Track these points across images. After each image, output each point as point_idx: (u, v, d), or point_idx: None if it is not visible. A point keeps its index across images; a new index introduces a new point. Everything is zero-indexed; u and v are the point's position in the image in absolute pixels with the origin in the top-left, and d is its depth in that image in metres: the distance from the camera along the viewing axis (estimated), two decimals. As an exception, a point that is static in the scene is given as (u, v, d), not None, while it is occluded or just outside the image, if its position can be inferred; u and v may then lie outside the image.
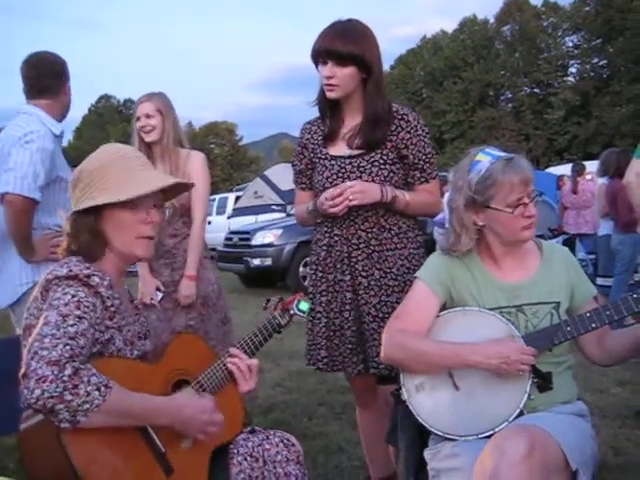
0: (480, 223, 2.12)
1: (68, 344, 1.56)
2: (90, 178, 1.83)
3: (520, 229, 2.09)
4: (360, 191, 2.43)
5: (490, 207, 2.08)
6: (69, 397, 1.49)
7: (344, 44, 2.44)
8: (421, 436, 2.11)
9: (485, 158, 2.10)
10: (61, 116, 3.24)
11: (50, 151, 2.97)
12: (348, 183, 2.47)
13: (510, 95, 49.74)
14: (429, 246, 2.67)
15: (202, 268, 3.57)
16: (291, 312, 2.27)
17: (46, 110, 3.13)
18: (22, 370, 1.53)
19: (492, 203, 2.07)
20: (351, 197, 2.42)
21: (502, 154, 2.11)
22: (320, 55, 2.51)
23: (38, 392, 1.47)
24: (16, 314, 3.12)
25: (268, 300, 2.31)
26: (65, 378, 1.49)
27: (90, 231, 1.83)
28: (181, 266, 3.54)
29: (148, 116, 3.51)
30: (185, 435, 1.82)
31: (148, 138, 3.52)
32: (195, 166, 3.59)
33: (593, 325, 2.01)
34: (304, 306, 2.29)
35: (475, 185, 2.08)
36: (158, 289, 3.51)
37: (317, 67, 2.56)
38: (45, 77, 3.16)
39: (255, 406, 4.44)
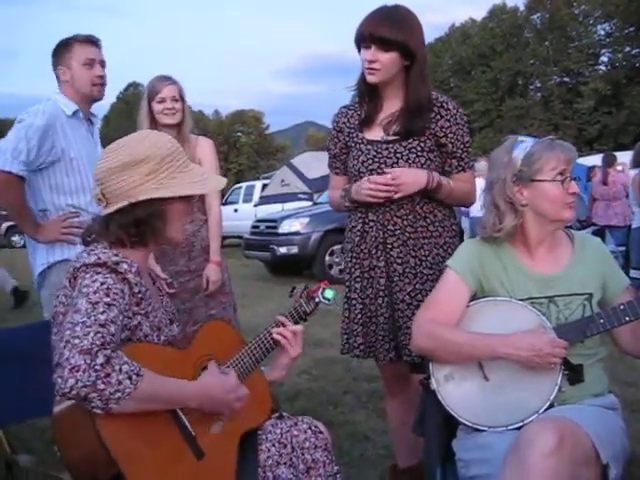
0: (524, 202, 2.11)
1: (99, 332, 1.58)
2: (157, 166, 1.82)
3: (564, 206, 2.09)
4: (405, 182, 2.42)
5: (537, 180, 2.08)
6: (102, 386, 1.51)
7: (390, 29, 2.42)
8: (449, 426, 2.10)
9: (528, 139, 2.13)
10: (75, 96, 3.21)
11: (40, 127, 2.98)
12: (394, 172, 2.44)
13: (539, 84, 49.08)
14: (459, 235, 2.68)
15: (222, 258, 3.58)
16: (316, 300, 2.27)
17: (61, 91, 3.22)
18: (55, 358, 1.55)
19: (539, 176, 2.08)
20: (394, 190, 2.41)
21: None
22: (364, 39, 2.47)
23: (72, 381, 1.49)
24: (41, 296, 3.19)
25: (294, 288, 2.32)
26: (97, 367, 1.51)
27: (139, 219, 1.84)
28: (198, 254, 3.55)
29: (175, 99, 3.50)
30: (214, 416, 1.84)
31: (170, 120, 3.48)
32: (206, 151, 3.61)
33: (627, 318, 1.99)
34: (329, 294, 2.28)
35: (522, 160, 2.09)
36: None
37: (359, 51, 2.53)
38: (52, 64, 3.26)
39: (281, 393, 4.46)
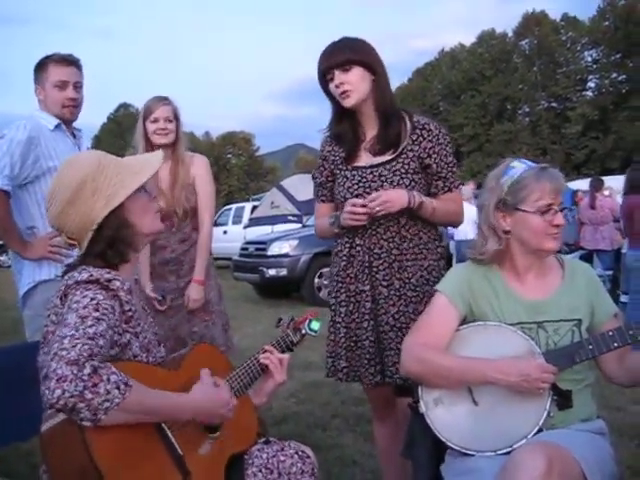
0: (507, 228, 2.13)
1: (87, 344, 1.57)
2: (94, 184, 1.82)
3: (546, 236, 2.09)
4: (386, 201, 2.43)
5: (520, 209, 2.09)
6: (89, 396, 1.49)
7: (342, 52, 2.52)
8: (438, 450, 2.09)
9: (520, 165, 2.13)
10: (51, 112, 3.22)
11: (22, 141, 2.99)
12: (373, 195, 2.46)
13: (528, 109, 49.62)
14: (445, 258, 2.68)
15: (206, 274, 3.57)
16: (303, 331, 2.32)
17: (40, 108, 3.25)
18: (43, 371, 1.54)
19: (522, 206, 2.08)
20: (377, 208, 2.42)
21: (536, 165, 2.14)
22: (326, 72, 2.55)
23: (59, 392, 1.47)
24: (24, 315, 3.16)
25: (280, 319, 2.36)
26: (85, 377, 1.50)
27: (111, 238, 1.84)
28: (187, 274, 3.54)
29: (169, 120, 3.52)
30: (203, 436, 1.83)
31: (163, 140, 3.49)
32: (201, 170, 3.62)
33: (615, 344, 1.99)
34: (315, 325, 2.33)
35: (508, 187, 2.10)
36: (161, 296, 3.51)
37: (327, 92, 2.60)
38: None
39: (269, 417, 4.43)
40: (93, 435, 1.55)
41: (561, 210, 2.10)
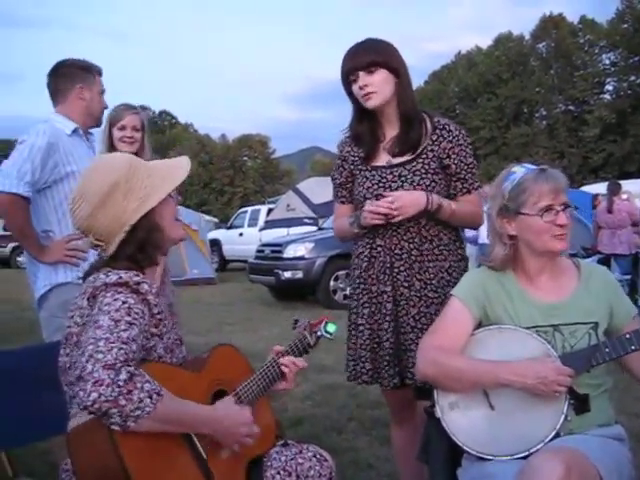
0: (512, 232, 2.13)
1: (122, 348, 1.58)
2: (127, 185, 1.83)
3: (551, 237, 2.08)
4: (403, 205, 2.43)
5: (521, 213, 2.10)
6: (123, 402, 1.51)
7: (368, 54, 2.53)
8: (454, 454, 2.09)
9: (520, 170, 2.14)
10: (81, 118, 3.29)
11: (42, 147, 3.03)
12: (393, 195, 2.46)
13: (545, 112, 49.32)
14: (466, 260, 2.68)
15: (165, 277, 3.57)
16: (318, 334, 2.33)
17: (59, 112, 3.27)
18: (77, 372, 1.55)
19: (523, 209, 2.09)
20: (395, 213, 2.43)
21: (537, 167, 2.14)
22: (350, 74, 2.56)
23: (95, 395, 1.49)
24: (40, 317, 3.20)
25: (296, 321, 2.37)
26: (121, 383, 1.52)
27: (142, 241, 1.85)
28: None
29: (136, 129, 3.55)
30: (223, 444, 1.83)
31: (128, 148, 3.49)
32: None
33: (632, 347, 1.98)
34: (331, 328, 2.34)
35: (508, 193, 2.12)
36: None
37: (349, 92, 2.61)
38: (53, 82, 3.31)
39: (285, 419, 4.44)
40: (121, 436, 1.56)
41: (564, 209, 2.08)
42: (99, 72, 3.36)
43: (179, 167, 1.97)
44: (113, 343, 1.58)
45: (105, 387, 1.50)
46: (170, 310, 3.42)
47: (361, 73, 2.52)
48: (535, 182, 2.07)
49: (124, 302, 1.70)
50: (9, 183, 2.93)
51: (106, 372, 1.52)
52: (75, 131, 3.25)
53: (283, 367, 2.16)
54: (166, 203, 1.90)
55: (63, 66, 3.31)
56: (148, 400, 1.55)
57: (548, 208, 2.06)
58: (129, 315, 1.68)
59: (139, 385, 1.55)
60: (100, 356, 1.54)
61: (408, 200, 2.46)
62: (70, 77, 3.28)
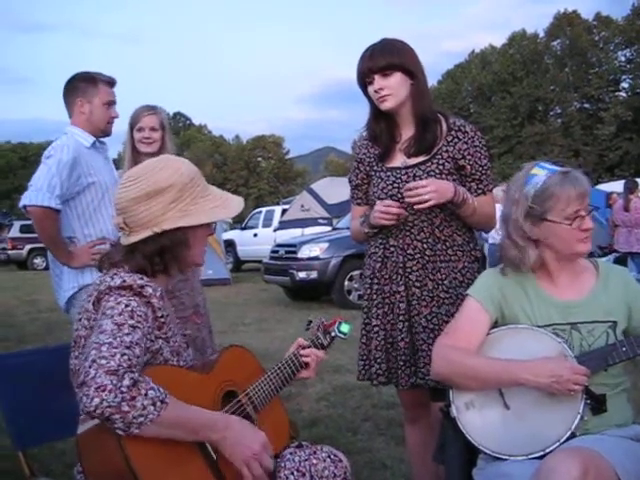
0: (534, 237, 2.10)
1: (125, 353, 1.58)
2: (180, 194, 1.83)
3: (576, 242, 2.07)
4: (435, 190, 2.41)
5: (547, 219, 2.06)
6: (126, 408, 1.51)
7: (385, 57, 2.52)
8: (470, 454, 2.08)
9: (541, 172, 2.09)
10: (91, 129, 3.38)
11: (68, 161, 3.16)
12: (422, 182, 2.44)
13: (559, 110, 49.06)
14: (479, 261, 2.66)
15: (193, 277, 3.60)
16: (332, 334, 2.32)
17: (74, 124, 3.39)
18: (80, 377, 1.55)
19: (549, 216, 2.06)
20: (427, 197, 2.40)
21: (558, 168, 2.10)
22: (366, 75, 2.56)
23: (97, 400, 1.49)
24: (71, 316, 3.27)
25: (310, 321, 2.36)
26: (124, 389, 1.51)
27: (164, 248, 1.85)
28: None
29: (154, 129, 3.59)
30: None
31: (147, 149, 3.55)
32: None
33: (650, 346, 1.96)
34: (345, 328, 2.33)
35: (532, 197, 2.07)
36: None
37: (365, 92, 2.61)
38: (63, 96, 3.44)
39: (300, 419, 4.45)
40: (130, 439, 1.56)
41: (589, 212, 2.07)
42: (107, 82, 3.41)
43: (232, 203, 1.99)
44: (116, 348, 1.58)
45: (108, 393, 1.49)
46: (196, 311, 3.48)
47: (376, 76, 2.52)
48: (562, 188, 2.03)
49: (127, 305, 1.70)
50: (42, 197, 3.07)
51: (109, 378, 1.51)
52: (93, 144, 3.37)
53: (304, 358, 2.18)
54: (203, 228, 1.92)
55: (69, 80, 3.41)
56: (152, 407, 1.54)
57: (575, 214, 2.04)
58: (132, 318, 1.68)
59: (143, 392, 1.54)
60: (103, 362, 1.54)
61: (440, 185, 2.45)
62: (72, 91, 3.39)
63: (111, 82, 3.44)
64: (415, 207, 2.45)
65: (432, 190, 2.40)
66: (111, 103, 3.42)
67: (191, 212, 1.85)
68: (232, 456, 1.73)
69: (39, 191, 3.08)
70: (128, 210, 1.83)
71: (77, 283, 3.26)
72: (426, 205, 2.42)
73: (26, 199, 3.11)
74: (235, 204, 2.00)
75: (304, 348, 2.20)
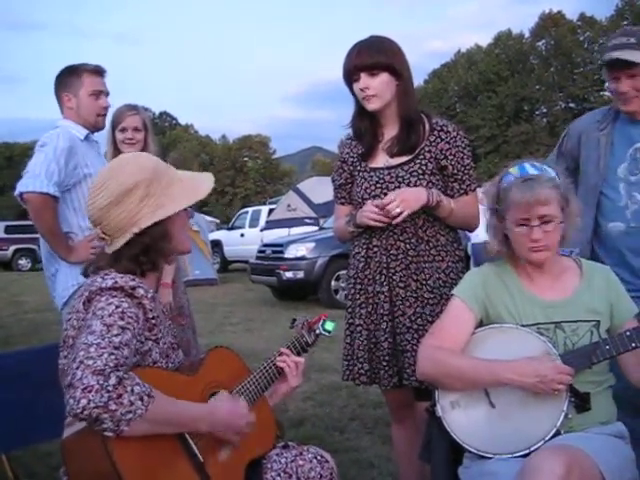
0: (505, 232, 2.14)
1: (113, 354, 1.57)
2: (147, 190, 1.82)
3: (527, 250, 2.08)
4: (404, 200, 2.42)
5: (506, 219, 2.11)
6: (113, 407, 1.50)
7: (371, 55, 2.50)
8: (455, 453, 2.08)
9: (516, 172, 2.12)
10: (82, 122, 3.29)
11: (65, 148, 3.07)
12: (388, 196, 2.45)
13: (545, 110, 49.35)
14: (463, 261, 2.67)
15: (177, 278, 3.59)
16: (317, 332, 2.32)
17: (67, 117, 3.31)
18: (67, 379, 1.54)
19: (507, 216, 2.10)
20: (398, 210, 2.41)
21: (533, 172, 2.09)
22: (352, 73, 2.55)
23: (84, 402, 1.48)
24: (63, 317, 3.22)
25: (294, 319, 2.36)
26: (110, 388, 1.51)
27: (147, 246, 1.84)
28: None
29: (137, 129, 3.55)
30: (223, 440, 1.83)
31: (129, 149, 3.48)
32: None
33: (633, 344, 1.97)
34: (329, 326, 2.33)
35: (500, 196, 2.12)
36: None
37: (351, 88, 2.60)
38: (54, 92, 3.35)
39: (286, 419, 4.44)
40: (115, 443, 1.55)
41: (544, 223, 2.03)
42: (92, 71, 3.30)
43: (202, 183, 1.97)
44: (104, 349, 1.57)
45: (94, 393, 1.48)
46: (180, 312, 3.47)
47: (363, 74, 2.51)
48: (514, 193, 2.05)
49: (117, 306, 1.69)
50: (40, 183, 2.97)
51: (95, 378, 1.50)
52: (87, 137, 3.29)
53: (280, 363, 2.16)
54: (181, 215, 1.90)
55: (56, 76, 3.34)
56: (139, 402, 1.54)
57: (522, 221, 2.05)
58: (122, 319, 1.67)
59: (129, 388, 1.54)
60: (90, 362, 1.53)
61: (409, 193, 2.46)
62: (59, 86, 3.32)
63: (98, 71, 3.32)
64: (393, 222, 2.45)
65: (401, 201, 2.41)
66: (98, 93, 3.31)
67: (164, 203, 1.84)
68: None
69: (37, 177, 2.97)
70: (102, 219, 1.83)
71: (76, 281, 3.11)
72: (401, 218, 2.43)
73: (22, 186, 2.99)
74: (205, 184, 1.98)
75: (279, 354, 2.19)
